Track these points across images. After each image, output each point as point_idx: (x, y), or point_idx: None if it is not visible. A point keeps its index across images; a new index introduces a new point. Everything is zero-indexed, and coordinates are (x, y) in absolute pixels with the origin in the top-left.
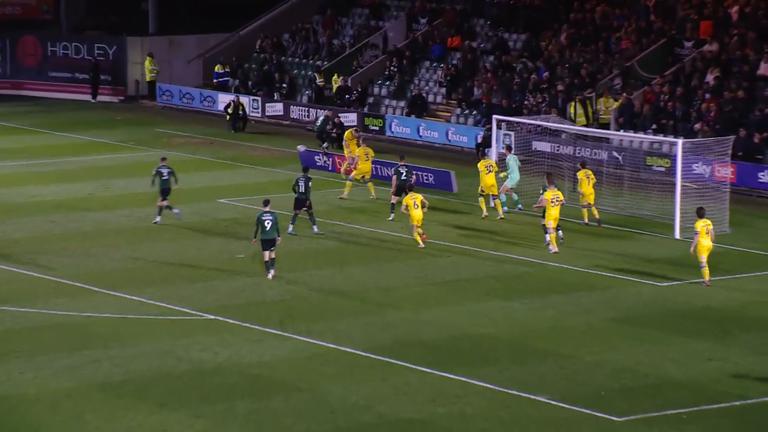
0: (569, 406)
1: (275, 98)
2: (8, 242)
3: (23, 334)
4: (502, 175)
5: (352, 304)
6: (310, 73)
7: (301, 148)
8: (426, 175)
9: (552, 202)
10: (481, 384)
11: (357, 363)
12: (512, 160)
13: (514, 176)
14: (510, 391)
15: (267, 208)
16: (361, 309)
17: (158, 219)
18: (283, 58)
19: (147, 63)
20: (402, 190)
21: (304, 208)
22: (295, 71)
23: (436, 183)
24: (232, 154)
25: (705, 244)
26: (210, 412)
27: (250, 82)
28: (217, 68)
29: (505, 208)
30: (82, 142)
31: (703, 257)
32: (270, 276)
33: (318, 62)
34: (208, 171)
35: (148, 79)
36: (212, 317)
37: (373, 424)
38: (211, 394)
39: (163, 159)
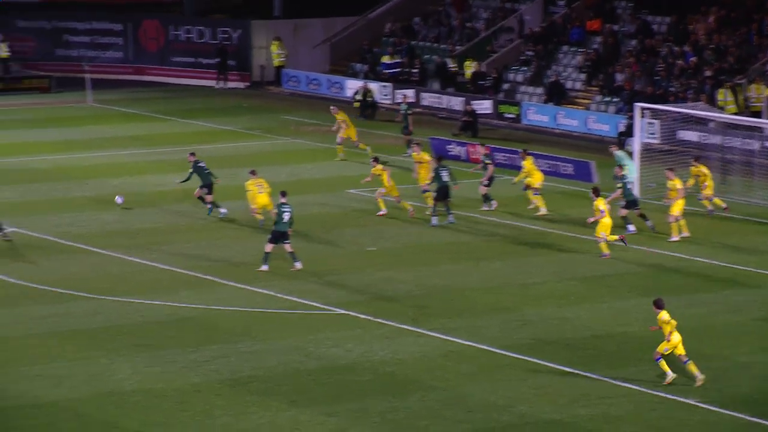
0: (721, 410)
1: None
2: (132, 233)
3: (149, 327)
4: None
5: (488, 300)
6: (444, 58)
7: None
8: (564, 166)
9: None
10: (626, 385)
11: (495, 361)
12: (623, 156)
13: (631, 169)
14: (657, 393)
15: (284, 200)
16: (497, 305)
17: (224, 211)
18: (414, 42)
19: (274, 47)
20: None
21: (448, 198)
22: (426, 56)
23: (576, 173)
24: (361, 142)
25: None
26: (342, 410)
27: (380, 67)
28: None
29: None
30: (206, 129)
31: None
32: (297, 266)
33: (450, 47)
34: (338, 160)
35: (275, 64)
36: (343, 312)
37: (513, 425)
38: (344, 391)
39: (192, 154)
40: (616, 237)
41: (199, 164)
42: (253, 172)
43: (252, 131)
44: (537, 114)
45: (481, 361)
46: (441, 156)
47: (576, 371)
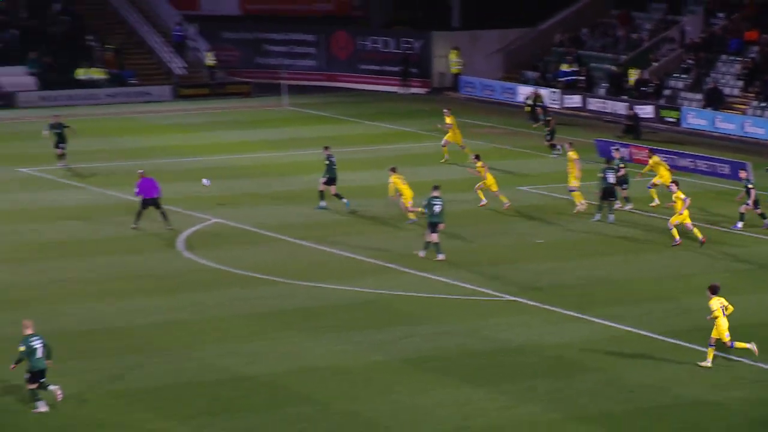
0: None
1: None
2: (323, 224)
3: (338, 310)
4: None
5: (648, 289)
6: (607, 66)
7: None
8: (721, 166)
9: None
10: None
11: (654, 346)
12: None
13: None
14: None
15: (436, 193)
16: (657, 294)
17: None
18: (581, 51)
19: (452, 56)
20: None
21: (612, 198)
22: (593, 64)
23: (732, 174)
24: (531, 143)
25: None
26: (512, 389)
27: (549, 75)
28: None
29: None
30: (390, 131)
31: None
32: (439, 257)
33: (615, 56)
34: (509, 159)
35: (453, 71)
36: (513, 299)
37: (670, 405)
38: (513, 372)
39: (327, 148)
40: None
41: (331, 158)
42: (393, 169)
43: (431, 132)
44: (696, 118)
45: (641, 346)
46: (608, 158)
47: (731, 357)
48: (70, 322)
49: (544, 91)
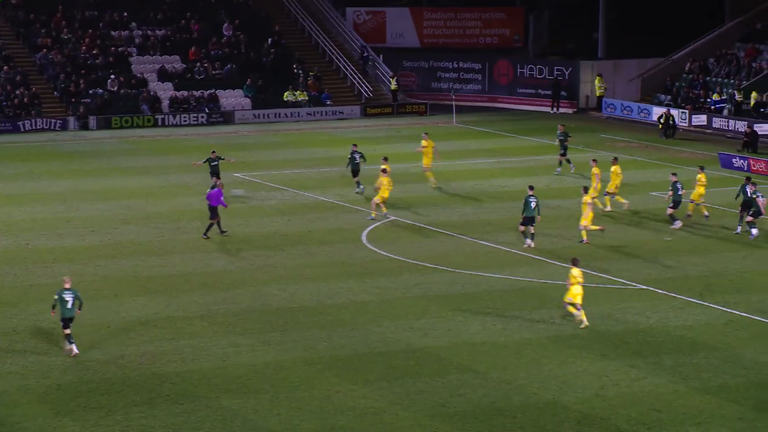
0: None
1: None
2: (483, 222)
3: (495, 294)
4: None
5: (762, 280)
6: (731, 90)
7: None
8: None
9: None
10: None
11: (766, 329)
12: None
13: None
14: None
15: (531, 192)
16: None
17: (360, 189)
18: (708, 78)
19: (597, 81)
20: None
21: (749, 211)
22: (718, 88)
23: None
24: (663, 155)
25: None
26: (641, 363)
27: (679, 98)
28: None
29: None
30: (541, 144)
31: None
32: (526, 245)
33: (738, 81)
34: (643, 169)
35: (597, 94)
36: (644, 287)
37: None
38: (643, 349)
39: (355, 145)
40: None
41: (354, 154)
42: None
43: (577, 146)
44: None
45: (756, 329)
46: (749, 177)
47: None
48: (273, 301)
49: (674, 111)
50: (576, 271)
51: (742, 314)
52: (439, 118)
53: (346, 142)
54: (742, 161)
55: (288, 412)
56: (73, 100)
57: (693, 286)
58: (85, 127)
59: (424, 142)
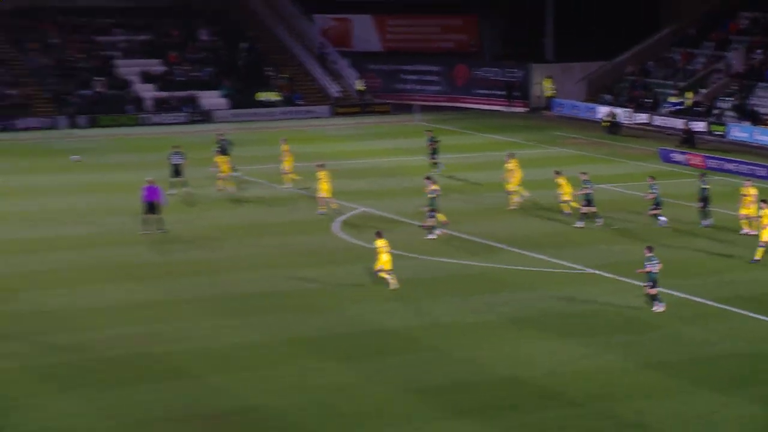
0: None
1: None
2: (449, 213)
3: (455, 279)
4: None
5: (702, 265)
6: (668, 91)
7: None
8: (759, 169)
9: None
10: None
11: (704, 311)
12: None
13: None
14: None
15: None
16: (707, 270)
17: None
18: (647, 79)
19: (546, 83)
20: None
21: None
22: (657, 89)
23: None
24: (609, 151)
25: None
26: (593, 342)
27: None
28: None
29: None
30: (496, 141)
31: None
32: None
33: (674, 82)
34: (594, 164)
35: (547, 95)
36: (595, 272)
37: (715, 356)
38: (595, 329)
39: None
40: None
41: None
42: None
43: (529, 142)
44: (740, 132)
45: (695, 310)
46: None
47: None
48: (252, 287)
49: (618, 110)
50: (381, 242)
51: (683, 296)
52: (402, 117)
53: (318, 140)
54: (680, 156)
55: (269, 388)
56: (62, 100)
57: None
58: (74, 125)
59: (284, 147)
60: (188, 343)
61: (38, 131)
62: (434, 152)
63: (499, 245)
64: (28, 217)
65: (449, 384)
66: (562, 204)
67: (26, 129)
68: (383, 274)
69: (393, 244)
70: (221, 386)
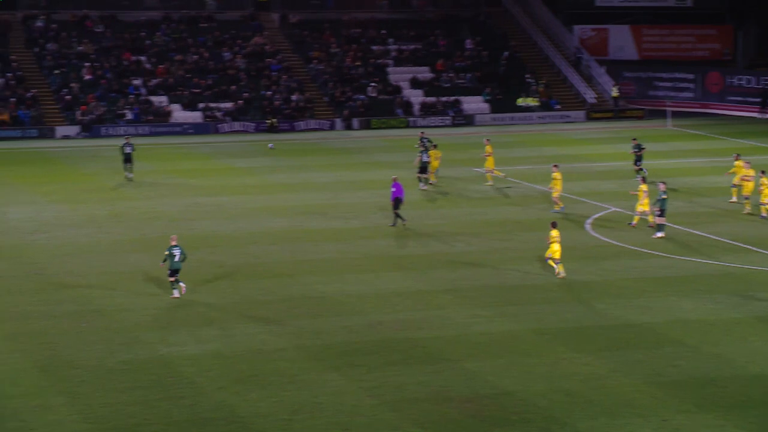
0: None
1: None
2: (695, 213)
3: (703, 278)
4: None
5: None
6: None
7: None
8: None
9: None
10: None
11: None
12: None
13: None
14: None
15: (663, 188)
16: None
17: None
18: None
19: None
20: None
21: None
22: None
23: None
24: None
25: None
26: None
27: None
28: None
29: None
30: (750, 146)
31: None
32: (657, 236)
33: None
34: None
35: None
36: None
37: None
38: None
39: (422, 132)
40: None
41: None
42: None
43: None
44: None
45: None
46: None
47: None
48: (508, 279)
49: None
50: (554, 232)
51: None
52: (656, 122)
53: (573, 143)
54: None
55: (521, 375)
56: (339, 104)
57: None
58: (349, 127)
59: (488, 148)
60: (446, 330)
61: (318, 132)
62: (639, 159)
63: (744, 245)
64: (304, 209)
65: (696, 378)
66: None
67: (307, 130)
68: (551, 263)
69: (642, 243)
70: (476, 371)
